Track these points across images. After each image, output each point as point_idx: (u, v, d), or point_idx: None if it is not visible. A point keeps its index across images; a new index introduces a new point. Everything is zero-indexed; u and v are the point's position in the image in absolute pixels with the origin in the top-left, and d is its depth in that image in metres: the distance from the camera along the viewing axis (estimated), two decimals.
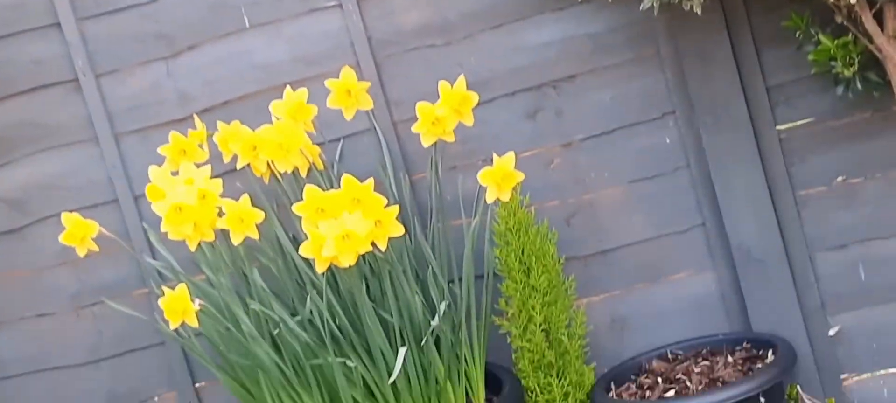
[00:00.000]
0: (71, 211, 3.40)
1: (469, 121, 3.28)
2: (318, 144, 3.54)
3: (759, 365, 3.41)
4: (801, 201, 3.47)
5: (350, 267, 3.06)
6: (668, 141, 3.55)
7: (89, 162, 3.80)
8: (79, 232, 3.33)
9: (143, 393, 3.94)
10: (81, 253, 3.35)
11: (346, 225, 3.00)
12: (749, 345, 3.52)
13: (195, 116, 3.57)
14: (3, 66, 3.80)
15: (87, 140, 3.79)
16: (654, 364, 3.59)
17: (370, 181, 3.06)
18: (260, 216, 3.18)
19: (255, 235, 3.19)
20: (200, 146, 3.46)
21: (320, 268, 3.05)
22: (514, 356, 3.52)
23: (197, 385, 3.89)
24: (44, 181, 3.84)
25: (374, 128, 3.61)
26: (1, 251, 3.91)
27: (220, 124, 3.41)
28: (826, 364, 3.53)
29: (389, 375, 3.20)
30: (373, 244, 3.07)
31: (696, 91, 3.46)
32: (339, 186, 3.07)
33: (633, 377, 3.58)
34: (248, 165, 3.37)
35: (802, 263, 3.50)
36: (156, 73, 3.74)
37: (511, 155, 3.19)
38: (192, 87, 3.72)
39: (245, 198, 3.18)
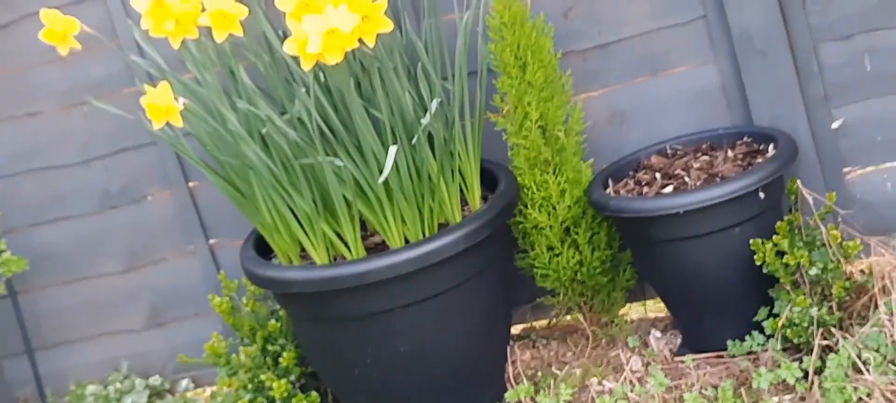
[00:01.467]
0: (56, 7, 3.30)
1: None
2: None
3: (760, 160, 3.35)
4: None
5: (338, 64, 2.98)
6: None
7: None
8: (59, 28, 3.23)
9: (136, 192, 3.92)
10: (63, 51, 3.26)
11: (331, 21, 2.91)
12: (750, 139, 3.45)
13: None
14: None
15: None
16: (653, 159, 3.53)
17: None
18: (243, 11, 3.09)
19: (239, 32, 3.10)
20: None
21: (306, 66, 2.97)
22: (509, 153, 3.46)
23: (190, 184, 3.87)
24: None
25: None
26: None
27: None
28: (828, 158, 3.46)
29: (381, 174, 3.16)
30: (361, 40, 2.98)
31: None
32: None
33: (631, 173, 3.53)
34: None
35: (806, 54, 3.40)
36: None
37: None
38: None
39: None
